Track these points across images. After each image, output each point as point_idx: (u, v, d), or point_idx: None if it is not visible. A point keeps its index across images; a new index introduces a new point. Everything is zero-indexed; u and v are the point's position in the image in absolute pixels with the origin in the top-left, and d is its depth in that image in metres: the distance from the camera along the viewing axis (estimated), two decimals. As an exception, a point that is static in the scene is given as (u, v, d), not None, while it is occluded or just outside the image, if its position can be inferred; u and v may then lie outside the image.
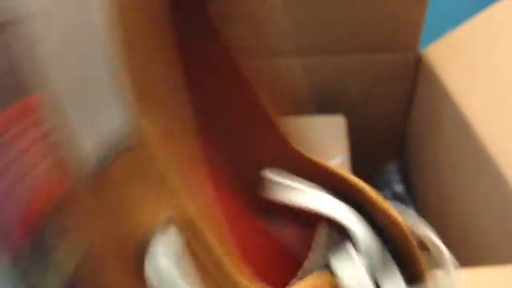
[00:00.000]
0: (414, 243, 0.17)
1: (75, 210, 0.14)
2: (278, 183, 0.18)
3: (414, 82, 0.61)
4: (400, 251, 0.17)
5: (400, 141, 0.67)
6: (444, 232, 0.55)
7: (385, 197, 0.64)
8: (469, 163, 0.50)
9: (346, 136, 0.56)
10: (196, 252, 0.13)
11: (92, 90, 0.14)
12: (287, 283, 0.17)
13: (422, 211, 0.61)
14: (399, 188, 0.62)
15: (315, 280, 0.16)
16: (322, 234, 0.18)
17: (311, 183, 0.19)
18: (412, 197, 0.63)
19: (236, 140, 0.21)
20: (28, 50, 0.14)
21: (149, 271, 0.14)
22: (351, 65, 0.59)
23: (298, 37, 0.56)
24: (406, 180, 0.64)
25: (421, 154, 0.62)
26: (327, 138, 0.55)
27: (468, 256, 0.50)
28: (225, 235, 0.14)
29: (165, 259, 0.13)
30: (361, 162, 0.62)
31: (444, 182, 0.55)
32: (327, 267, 0.17)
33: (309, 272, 0.17)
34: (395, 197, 0.63)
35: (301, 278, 0.17)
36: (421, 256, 0.17)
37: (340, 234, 0.18)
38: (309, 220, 0.19)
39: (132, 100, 0.14)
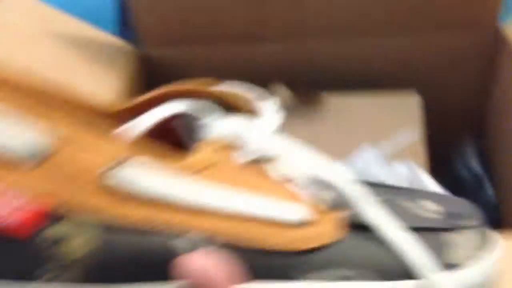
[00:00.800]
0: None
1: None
2: None
3: (494, 59, 0.59)
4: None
5: (479, 121, 0.65)
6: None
7: (463, 177, 0.62)
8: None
9: (419, 113, 0.55)
10: None
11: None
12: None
13: (501, 192, 0.59)
14: (477, 168, 0.61)
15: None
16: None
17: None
18: (491, 178, 0.61)
19: None
20: None
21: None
22: (427, 43, 0.58)
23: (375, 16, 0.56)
24: (484, 161, 0.62)
25: (502, 134, 0.60)
26: (400, 114, 0.55)
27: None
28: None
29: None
30: (438, 142, 0.61)
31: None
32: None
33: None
34: (473, 178, 0.61)
35: None
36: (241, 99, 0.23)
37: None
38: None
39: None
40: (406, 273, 0.22)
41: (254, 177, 0.21)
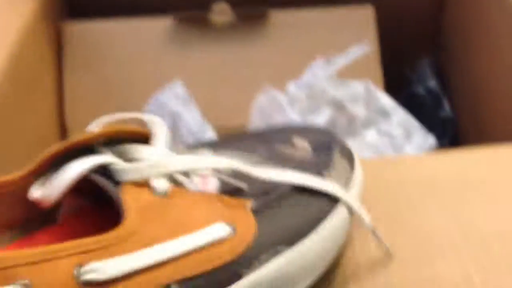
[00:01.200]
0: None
1: None
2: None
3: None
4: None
5: (434, 34, 0.62)
6: (481, 124, 0.52)
7: (418, 93, 0.60)
8: (507, 43, 0.46)
9: (373, 27, 0.52)
10: None
11: None
12: None
13: (458, 104, 0.58)
14: (432, 83, 0.59)
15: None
16: None
17: None
18: (447, 91, 0.59)
19: None
20: None
21: None
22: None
23: None
24: (441, 77, 0.60)
25: (459, 44, 0.58)
26: (353, 28, 0.52)
27: (500, 135, 0.47)
28: None
29: None
30: (392, 57, 0.59)
31: (484, 69, 0.51)
32: None
33: None
34: (429, 93, 0.59)
35: None
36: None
37: None
38: None
39: None
40: (320, 211, 0.25)
41: (178, 208, 0.24)
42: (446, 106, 0.58)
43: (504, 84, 0.48)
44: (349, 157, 0.29)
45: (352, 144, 0.43)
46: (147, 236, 0.22)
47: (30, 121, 0.47)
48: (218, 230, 0.23)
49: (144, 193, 0.23)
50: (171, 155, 0.24)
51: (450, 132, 0.57)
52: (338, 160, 0.28)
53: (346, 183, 0.27)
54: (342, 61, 0.45)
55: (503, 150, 0.30)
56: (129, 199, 0.23)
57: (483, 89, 0.51)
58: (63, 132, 0.53)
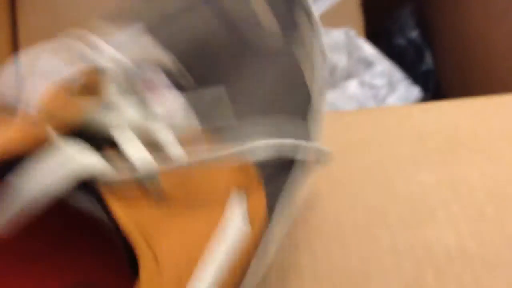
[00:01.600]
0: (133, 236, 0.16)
1: None
2: None
3: None
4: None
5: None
6: (464, 73, 0.50)
7: (399, 44, 0.58)
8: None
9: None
10: None
11: None
12: None
13: (440, 56, 0.55)
14: (414, 33, 0.56)
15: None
16: None
17: None
18: (429, 43, 0.57)
19: None
20: None
21: None
22: None
23: None
24: (422, 24, 0.57)
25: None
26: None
27: (483, 89, 0.45)
28: None
29: None
30: (372, 7, 0.56)
31: (468, 21, 0.49)
32: None
33: None
34: (411, 44, 0.57)
35: None
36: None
37: None
38: None
39: None
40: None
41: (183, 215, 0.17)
42: (429, 58, 0.55)
43: (499, 42, 0.46)
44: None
45: (333, 95, 0.41)
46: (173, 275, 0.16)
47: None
48: (238, 222, 0.18)
49: (140, 205, 0.16)
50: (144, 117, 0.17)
51: (432, 86, 0.54)
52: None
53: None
54: (319, 7, 0.42)
55: (495, 101, 0.27)
56: (130, 222, 0.16)
57: (473, 45, 0.49)
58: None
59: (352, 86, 0.41)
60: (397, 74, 0.41)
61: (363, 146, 0.27)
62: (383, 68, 0.41)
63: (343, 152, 0.27)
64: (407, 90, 0.40)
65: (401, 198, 0.25)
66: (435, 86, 0.55)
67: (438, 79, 0.55)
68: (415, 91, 0.40)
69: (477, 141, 0.27)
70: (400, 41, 0.57)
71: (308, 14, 0.22)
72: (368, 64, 0.41)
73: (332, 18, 0.46)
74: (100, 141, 0.16)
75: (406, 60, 0.56)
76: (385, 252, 0.24)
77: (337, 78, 0.41)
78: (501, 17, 0.45)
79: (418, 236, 0.24)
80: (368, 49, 0.42)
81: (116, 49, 0.18)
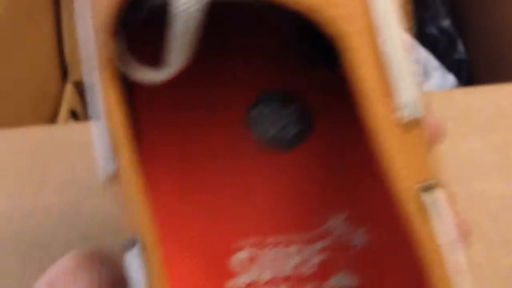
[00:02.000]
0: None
1: None
2: None
3: None
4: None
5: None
6: (496, 63, 0.50)
7: (432, 32, 0.58)
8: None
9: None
10: None
11: None
12: None
13: (472, 43, 0.55)
14: (446, 22, 0.56)
15: None
16: None
17: None
18: (460, 30, 0.57)
19: None
20: None
21: None
22: None
23: None
24: (454, 13, 0.57)
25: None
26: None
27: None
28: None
29: None
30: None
31: (500, 10, 0.48)
32: None
33: None
34: (442, 33, 0.57)
35: None
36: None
37: None
38: None
39: None
40: None
41: None
42: (461, 47, 0.55)
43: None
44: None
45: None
46: None
47: (29, 55, 0.45)
48: None
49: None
50: None
51: (465, 75, 0.54)
52: None
53: None
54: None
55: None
56: None
57: (505, 32, 0.49)
58: (64, 69, 0.51)
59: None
60: (432, 61, 0.41)
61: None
62: (418, 56, 0.41)
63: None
64: (442, 77, 0.40)
65: (451, 159, 0.26)
66: (467, 77, 0.54)
67: (470, 68, 0.55)
68: (450, 78, 0.40)
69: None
70: (432, 29, 0.57)
71: None
72: (403, 52, 0.42)
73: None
74: None
75: (438, 48, 0.56)
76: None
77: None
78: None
79: (475, 187, 0.26)
80: (404, 36, 0.42)
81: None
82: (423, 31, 0.58)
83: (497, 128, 0.27)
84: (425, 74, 0.40)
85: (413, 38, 0.58)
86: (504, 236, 0.25)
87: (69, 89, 0.50)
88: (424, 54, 0.41)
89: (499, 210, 0.26)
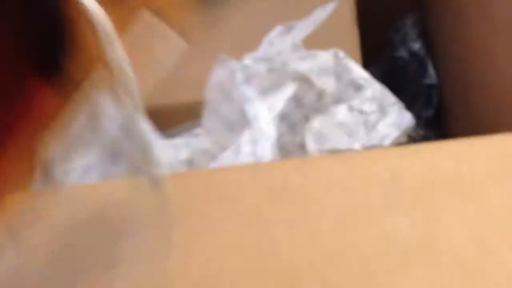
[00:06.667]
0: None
1: None
2: None
3: None
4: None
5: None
6: (466, 84, 0.47)
7: (401, 57, 0.55)
8: (499, 5, 0.41)
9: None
10: None
11: None
12: None
13: (442, 67, 0.52)
14: (416, 45, 0.54)
15: None
16: None
17: None
18: (431, 54, 0.54)
19: None
20: None
21: None
22: None
23: None
24: (424, 35, 0.55)
25: (443, 3, 0.52)
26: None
27: (487, 106, 0.43)
28: None
29: None
30: (373, 18, 0.53)
31: (469, 30, 0.46)
32: None
33: None
34: (413, 56, 0.54)
35: None
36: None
37: None
38: None
39: None
40: None
41: None
42: (432, 71, 0.52)
43: (502, 54, 0.43)
44: None
45: (320, 123, 0.38)
46: None
47: None
48: None
49: None
50: None
51: (435, 101, 0.52)
52: None
53: None
54: (305, 26, 0.39)
55: (479, 142, 0.25)
56: None
57: (474, 56, 0.46)
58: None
59: (341, 112, 0.38)
60: (389, 98, 0.38)
61: (333, 190, 0.25)
62: (374, 91, 0.38)
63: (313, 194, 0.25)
64: (399, 115, 0.37)
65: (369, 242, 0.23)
66: (438, 102, 0.52)
67: (440, 94, 0.52)
68: (408, 117, 0.37)
69: (459, 185, 0.24)
70: (403, 53, 0.55)
71: None
72: (357, 87, 0.39)
73: (325, 36, 0.44)
74: None
75: (408, 73, 0.53)
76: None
77: (325, 104, 0.39)
78: (504, 28, 0.42)
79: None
80: (358, 71, 0.39)
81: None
82: (393, 54, 0.55)
83: (432, 203, 0.24)
84: (381, 111, 0.37)
85: (384, 62, 0.56)
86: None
87: None
88: (379, 89, 0.38)
89: None
